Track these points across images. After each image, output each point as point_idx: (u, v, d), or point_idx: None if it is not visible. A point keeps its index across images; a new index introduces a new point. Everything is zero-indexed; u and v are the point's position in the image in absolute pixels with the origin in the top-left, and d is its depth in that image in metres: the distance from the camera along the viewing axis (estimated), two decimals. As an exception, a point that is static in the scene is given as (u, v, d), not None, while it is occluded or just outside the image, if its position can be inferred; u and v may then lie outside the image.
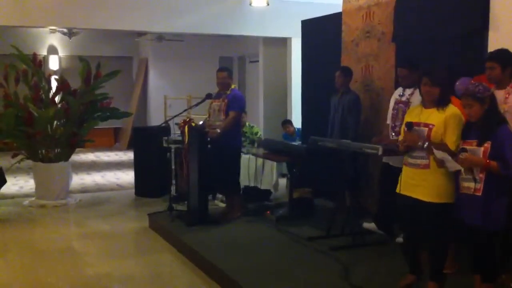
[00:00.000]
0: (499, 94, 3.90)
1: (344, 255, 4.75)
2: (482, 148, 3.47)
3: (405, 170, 3.89)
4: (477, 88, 3.53)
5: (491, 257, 3.60)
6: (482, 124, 3.52)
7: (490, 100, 3.52)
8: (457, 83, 4.39)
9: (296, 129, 8.73)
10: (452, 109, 3.73)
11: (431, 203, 3.70)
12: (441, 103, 3.74)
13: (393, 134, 5.06)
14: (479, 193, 3.48)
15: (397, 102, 5.14)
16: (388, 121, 5.24)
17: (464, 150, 3.51)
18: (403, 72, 5.08)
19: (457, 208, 3.63)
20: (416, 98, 4.69)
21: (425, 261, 3.91)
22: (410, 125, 3.79)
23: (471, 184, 3.52)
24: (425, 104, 3.84)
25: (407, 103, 4.99)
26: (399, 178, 3.94)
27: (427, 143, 3.68)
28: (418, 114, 3.85)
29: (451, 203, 3.67)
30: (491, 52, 4.26)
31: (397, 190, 3.93)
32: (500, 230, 3.54)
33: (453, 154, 3.57)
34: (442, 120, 3.69)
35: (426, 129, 3.73)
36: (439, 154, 3.58)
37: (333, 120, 6.12)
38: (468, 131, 3.62)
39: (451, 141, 3.66)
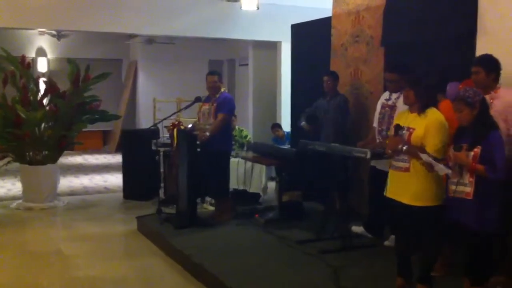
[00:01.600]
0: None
1: (333, 258, 4.75)
2: (472, 153, 3.49)
3: (390, 173, 3.96)
4: (467, 92, 3.56)
5: (484, 260, 3.61)
6: (473, 128, 3.55)
7: (480, 105, 3.55)
8: (447, 88, 4.43)
9: (286, 133, 8.75)
10: (434, 114, 3.75)
11: (414, 206, 3.74)
12: (421, 106, 3.77)
13: (380, 137, 5.10)
14: (470, 197, 3.50)
15: (383, 106, 5.19)
16: (375, 125, 5.28)
17: (460, 147, 3.55)
18: (392, 77, 5.11)
19: (448, 211, 3.65)
20: (402, 102, 4.74)
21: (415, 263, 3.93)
22: (397, 127, 3.84)
23: (461, 188, 3.54)
24: (410, 108, 3.89)
25: (393, 107, 5.04)
26: (387, 181, 3.98)
27: (406, 146, 3.72)
28: (405, 118, 3.90)
29: (436, 206, 3.69)
30: (476, 57, 4.31)
31: (385, 193, 3.97)
32: (492, 233, 3.55)
33: (432, 158, 3.59)
34: (423, 124, 3.73)
35: (407, 133, 3.77)
36: (425, 157, 3.60)
37: (322, 123, 6.15)
38: (459, 135, 3.65)
39: (430, 145, 3.67)
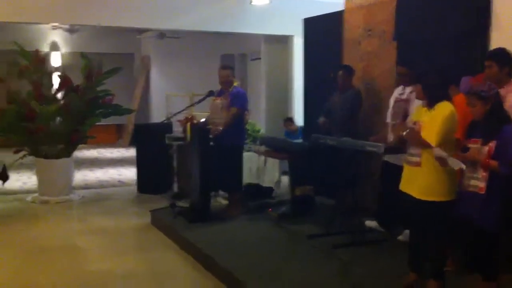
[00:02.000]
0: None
1: (344, 253, 4.77)
2: (486, 147, 3.47)
3: (404, 168, 3.97)
4: (481, 87, 3.54)
5: (492, 256, 3.61)
6: (486, 123, 3.54)
7: (494, 99, 3.53)
8: (461, 82, 4.42)
9: (299, 127, 8.75)
10: (442, 107, 3.70)
11: (422, 200, 3.74)
12: (430, 101, 3.77)
13: (393, 131, 5.09)
14: (482, 192, 3.49)
15: (397, 101, 5.18)
16: (388, 120, 5.26)
17: (467, 149, 3.53)
18: (402, 70, 5.12)
19: (459, 206, 3.64)
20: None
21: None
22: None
23: (474, 182, 3.53)
24: (423, 102, 3.90)
25: (408, 101, 5.03)
26: (401, 176, 3.98)
27: (406, 132, 3.74)
28: (421, 113, 3.89)
29: (447, 201, 3.68)
30: (489, 51, 4.30)
31: (399, 187, 3.98)
32: (501, 231, 3.54)
33: (427, 145, 3.58)
34: (430, 118, 3.72)
35: (417, 126, 3.78)
36: (437, 151, 3.59)
37: (336, 117, 6.14)
38: (473, 129, 3.63)
39: (432, 137, 3.63)
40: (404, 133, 3.77)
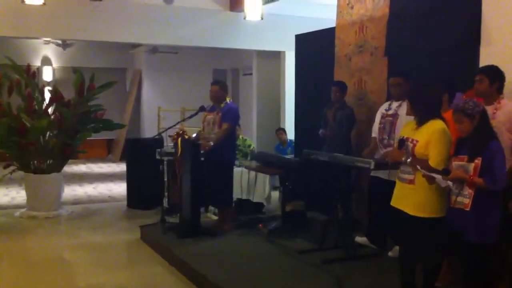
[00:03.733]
0: (487, 110, 3.92)
1: (336, 268, 4.75)
2: (472, 164, 3.49)
3: (397, 184, 3.96)
4: (467, 104, 3.57)
5: (483, 271, 3.60)
6: (473, 139, 3.55)
7: (480, 116, 3.55)
8: (454, 99, 4.45)
9: (289, 141, 8.78)
10: (436, 125, 3.72)
11: (416, 217, 3.74)
12: (423, 117, 3.78)
13: (381, 146, 5.12)
14: (467, 208, 3.49)
15: (383, 116, 5.21)
16: (374, 135, 5.30)
17: (447, 171, 3.54)
18: (397, 80, 5.15)
19: (449, 222, 3.65)
20: (404, 110, 4.77)
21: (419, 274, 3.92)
22: (401, 142, 3.85)
23: (460, 199, 3.54)
24: (415, 118, 3.89)
25: (395, 115, 5.06)
26: (389, 191, 3.99)
27: (410, 159, 3.73)
28: (411, 128, 3.90)
29: (439, 217, 3.69)
30: (481, 66, 4.33)
31: (391, 203, 3.98)
32: (491, 245, 3.55)
33: (434, 171, 3.59)
34: (425, 136, 3.73)
35: (411, 145, 3.78)
36: (424, 170, 3.60)
37: (328, 133, 6.15)
38: (460, 146, 3.65)
39: (432, 157, 3.67)
40: (408, 160, 3.75)
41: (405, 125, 4.26)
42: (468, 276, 3.66)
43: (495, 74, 4.06)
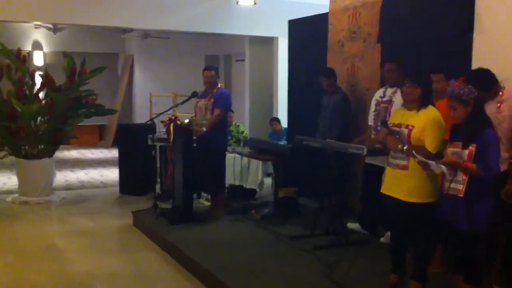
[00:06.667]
0: (491, 105, 3.88)
1: (327, 254, 4.77)
2: (467, 151, 3.50)
3: (388, 170, 3.97)
4: (462, 90, 3.56)
5: (473, 258, 3.63)
6: (467, 126, 3.55)
7: (474, 103, 3.54)
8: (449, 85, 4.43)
9: (283, 129, 8.76)
10: (432, 112, 3.76)
11: (410, 202, 3.76)
12: (421, 104, 3.79)
13: (375, 134, 5.12)
14: (461, 195, 3.50)
15: (378, 104, 5.21)
16: (370, 122, 5.29)
17: (441, 155, 3.55)
18: (392, 66, 5.13)
19: (440, 209, 3.66)
20: (399, 97, 4.75)
21: (409, 260, 3.95)
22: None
23: (454, 185, 3.55)
24: (407, 105, 3.89)
25: (389, 102, 5.06)
26: (382, 178, 3.99)
27: (406, 146, 3.73)
28: (402, 115, 3.91)
29: (432, 202, 3.71)
30: (466, 77, 4.02)
31: (381, 190, 3.98)
32: (482, 232, 3.56)
33: (432, 157, 3.60)
34: (422, 122, 3.74)
35: (407, 130, 3.78)
36: (420, 156, 3.61)
37: (323, 119, 6.13)
38: (455, 133, 3.65)
39: (428, 143, 3.70)
40: (405, 148, 3.75)
41: (394, 112, 4.26)
42: (459, 264, 3.69)
43: (484, 83, 3.84)
